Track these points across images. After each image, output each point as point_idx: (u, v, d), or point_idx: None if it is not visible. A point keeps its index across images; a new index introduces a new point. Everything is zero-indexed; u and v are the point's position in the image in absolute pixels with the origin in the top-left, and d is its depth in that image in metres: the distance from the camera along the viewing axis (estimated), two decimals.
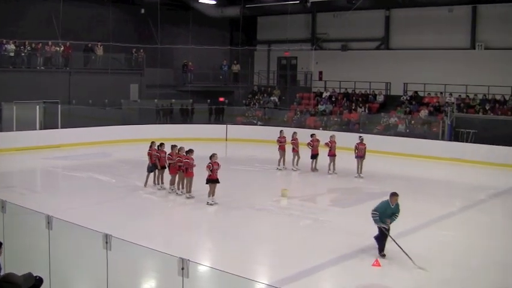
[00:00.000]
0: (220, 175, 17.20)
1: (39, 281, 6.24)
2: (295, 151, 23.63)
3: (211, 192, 17.17)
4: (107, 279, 8.56)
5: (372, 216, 12.67)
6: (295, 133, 24.00)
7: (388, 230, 12.70)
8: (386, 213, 12.56)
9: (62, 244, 9.89)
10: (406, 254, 12.22)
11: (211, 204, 17.08)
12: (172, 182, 18.75)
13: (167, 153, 18.93)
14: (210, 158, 17.05)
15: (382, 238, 12.71)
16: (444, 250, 13.67)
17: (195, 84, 37.39)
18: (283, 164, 23.87)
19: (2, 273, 6.77)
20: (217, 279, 8.83)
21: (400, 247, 12.36)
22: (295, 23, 37.20)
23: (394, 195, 12.67)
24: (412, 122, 30.02)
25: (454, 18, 32.52)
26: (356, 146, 22.51)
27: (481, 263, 12.77)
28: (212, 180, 17.08)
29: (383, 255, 12.57)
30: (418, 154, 27.57)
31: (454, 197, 20.32)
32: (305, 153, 23.58)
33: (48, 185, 21.28)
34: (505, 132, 26.28)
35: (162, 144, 19.49)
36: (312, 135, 23.64)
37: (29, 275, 6.11)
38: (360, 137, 23.19)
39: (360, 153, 22.42)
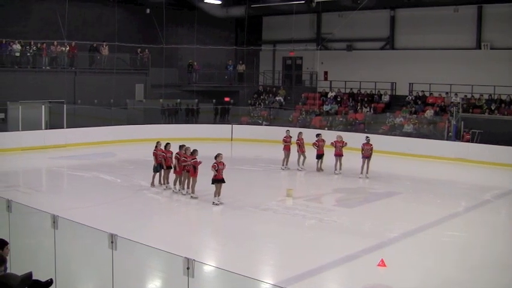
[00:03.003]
0: (225, 175, 17.20)
1: (50, 283, 6.20)
2: (301, 151, 23.59)
3: (217, 192, 17.15)
4: (112, 279, 8.57)
5: None
6: (300, 133, 23.94)
7: None
8: None
9: (67, 243, 9.90)
10: None
11: (216, 204, 17.06)
12: (177, 182, 18.76)
13: (175, 153, 18.91)
14: (215, 158, 17.03)
15: None
16: (449, 250, 13.63)
17: (200, 84, 37.42)
18: (286, 164, 23.85)
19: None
20: (222, 279, 8.82)
21: None
22: (300, 23, 37.23)
23: None
24: (417, 122, 29.92)
25: (459, 18, 32.40)
26: (362, 146, 22.46)
27: (486, 263, 12.73)
28: (218, 180, 17.07)
29: None
30: (423, 154, 27.51)
31: (459, 197, 20.25)
32: (310, 153, 23.55)
33: (54, 185, 21.30)
34: (511, 133, 26.20)
35: (168, 144, 19.49)
36: (317, 135, 23.64)
37: (27, 275, 6.00)
38: (367, 137, 23.07)
39: (366, 153, 22.31)
